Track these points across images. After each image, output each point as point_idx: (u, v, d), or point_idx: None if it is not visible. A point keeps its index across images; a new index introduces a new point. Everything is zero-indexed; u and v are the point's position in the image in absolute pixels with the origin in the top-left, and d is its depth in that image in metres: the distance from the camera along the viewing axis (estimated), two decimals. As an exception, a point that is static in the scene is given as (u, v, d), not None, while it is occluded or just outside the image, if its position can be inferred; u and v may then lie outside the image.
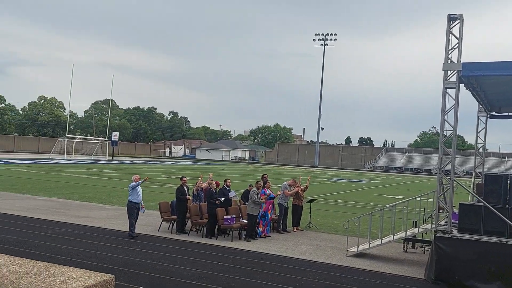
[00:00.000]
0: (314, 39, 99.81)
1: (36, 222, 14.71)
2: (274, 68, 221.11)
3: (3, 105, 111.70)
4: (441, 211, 11.62)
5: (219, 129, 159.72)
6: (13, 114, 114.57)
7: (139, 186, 13.09)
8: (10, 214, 16.09)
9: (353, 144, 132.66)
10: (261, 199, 13.68)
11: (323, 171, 73.42)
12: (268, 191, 14.36)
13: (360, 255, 12.58)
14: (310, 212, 17.04)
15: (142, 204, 13.24)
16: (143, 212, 13.27)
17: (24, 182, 28.05)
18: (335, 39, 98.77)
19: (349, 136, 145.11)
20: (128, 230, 13.17)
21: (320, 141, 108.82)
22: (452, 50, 10.93)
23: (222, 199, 13.87)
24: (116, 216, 16.89)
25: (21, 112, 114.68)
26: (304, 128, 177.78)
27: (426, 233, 13.38)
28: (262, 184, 14.28)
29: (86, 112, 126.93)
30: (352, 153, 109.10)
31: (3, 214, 16.09)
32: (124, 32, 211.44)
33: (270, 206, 14.37)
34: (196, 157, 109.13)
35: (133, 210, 12.93)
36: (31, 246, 11.32)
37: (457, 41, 10.87)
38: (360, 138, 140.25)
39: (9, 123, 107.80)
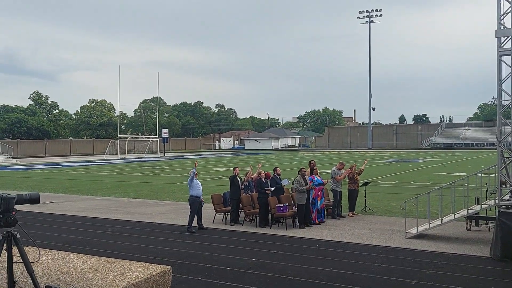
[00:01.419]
0: (358, 17, 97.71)
1: (96, 221, 15.44)
2: (319, 51, 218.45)
3: (57, 111, 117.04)
4: (504, 185, 11.19)
5: (267, 118, 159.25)
6: (67, 119, 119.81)
7: (197, 180, 13.20)
8: (72, 215, 16.99)
9: (407, 123, 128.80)
10: (308, 186, 13.59)
11: (377, 153, 72.08)
12: (316, 178, 14.31)
13: (419, 236, 12.28)
14: (365, 196, 16.85)
15: (201, 197, 13.39)
16: (202, 205, 13.38)
17: (82, 184, 29.45)
18: (381, 15, 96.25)
19: (402, 115, 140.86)
20: (187, 224, 13.35)
21: (372, 122, 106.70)
22: (504, 15, 10.46)
23: (272, 188, 13.87)
24: (171, 211, 17.37)
25: (74, 117, 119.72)
26: (354, 110, 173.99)
27: (490, 210, 12.93)
28: (307, 171, 14.12)
29: (135, 111, 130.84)
30: (407, 132, 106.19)
31: (65, 215, 17.02)
32: (166, 29, 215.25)
33: (319, 193, 14.27)
34: (245, 148, 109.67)
35: (195, 205, 13.06)
36: (93, 245, 11.91)
37: (509, 5, 10.39)
38: (414, 115, 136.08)
39: (64, 127, 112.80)
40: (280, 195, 14.11)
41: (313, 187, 13.78)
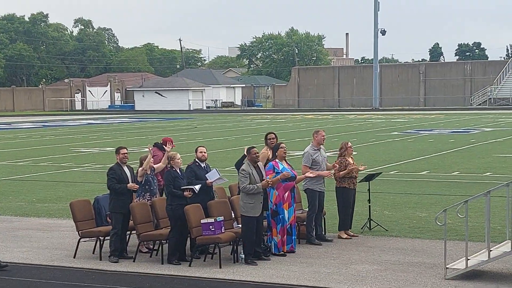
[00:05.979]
0: None
1: None
2: None
3: None
4: None
5: (179, 48, 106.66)
6: None
7: None
8: None
9: (446, 59, 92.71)
10: (265, 181, 9.69)
11: (388, 117, 56.92)
12: (281, 165, 10.33)
13: (471, 275, 9.17)
14: (369, 200, 12.80)
15: None
16: None
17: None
18: None
19: (437, 44, 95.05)
20: None
21: (380, 57, 79.11)
22: None
23: (197, 186, 10.00)
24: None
25: None
26: (347, 35, 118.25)
27: None
28: (262, 153, 10.54)
29: None
30: (445, 76, 71.98)
31: None
32: None
33: (288, 195, 10.42)
34: (137, 108, 76.02)
35: None
36: None
37: None
38: (459, 45, 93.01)
39: None
40: (208, 201, 10.35)
41: (273, 180, 9.86)
